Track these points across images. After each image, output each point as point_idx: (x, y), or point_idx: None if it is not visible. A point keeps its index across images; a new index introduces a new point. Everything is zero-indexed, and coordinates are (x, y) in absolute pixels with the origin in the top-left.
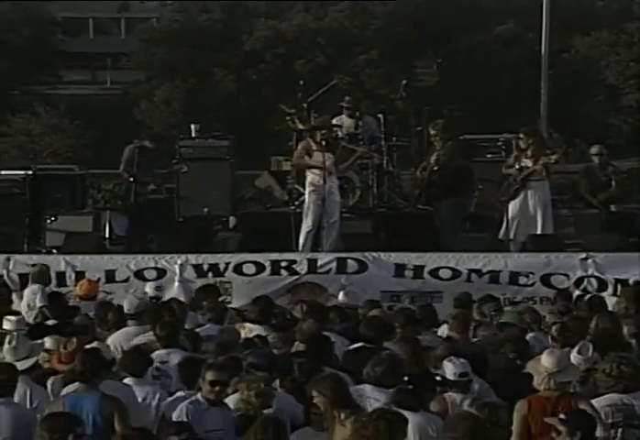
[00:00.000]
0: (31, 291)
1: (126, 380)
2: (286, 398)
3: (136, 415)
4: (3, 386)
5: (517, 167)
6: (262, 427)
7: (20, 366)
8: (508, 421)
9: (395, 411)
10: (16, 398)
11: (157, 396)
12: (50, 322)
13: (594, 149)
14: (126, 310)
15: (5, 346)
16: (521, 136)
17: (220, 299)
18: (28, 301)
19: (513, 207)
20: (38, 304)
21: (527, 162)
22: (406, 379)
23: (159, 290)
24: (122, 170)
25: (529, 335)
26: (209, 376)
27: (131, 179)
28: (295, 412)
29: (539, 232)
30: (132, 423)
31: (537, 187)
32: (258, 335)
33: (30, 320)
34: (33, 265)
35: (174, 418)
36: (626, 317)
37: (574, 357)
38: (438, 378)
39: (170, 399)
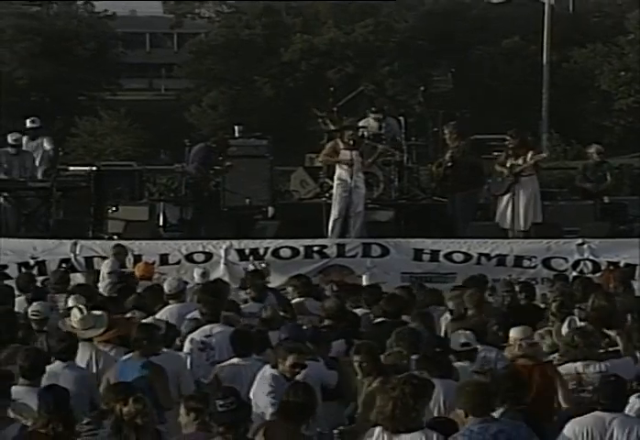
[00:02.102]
0: (107, 264)
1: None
2: (317, 365)
3: (186, 382)
4: (65, 352)
5: (508, 164)
6: (293, 391)
7: (87, 334)
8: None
9: (423, 377)
10: (83, 362)
11: (187, 364)
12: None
13: (593, 148)
14: (166, 291)
15: (77, 316)
16: (507, 138)
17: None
18: (104, 272)
19: (506, 200)
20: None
21: (517, 160)
22: (439, 349)
23: (204, 276)
24: (194, 168)
25: None
26: (292, 359)
27: (201, 175)
28: (327, 378)
29: (530, 221)
30: (183, 390)
31: (527, 181)
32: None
33: (102, 289)
34: (115, 245)
35: (265, 388)
36: (615, 295)
37: (564, 329)
38: None
39: (224, 364)
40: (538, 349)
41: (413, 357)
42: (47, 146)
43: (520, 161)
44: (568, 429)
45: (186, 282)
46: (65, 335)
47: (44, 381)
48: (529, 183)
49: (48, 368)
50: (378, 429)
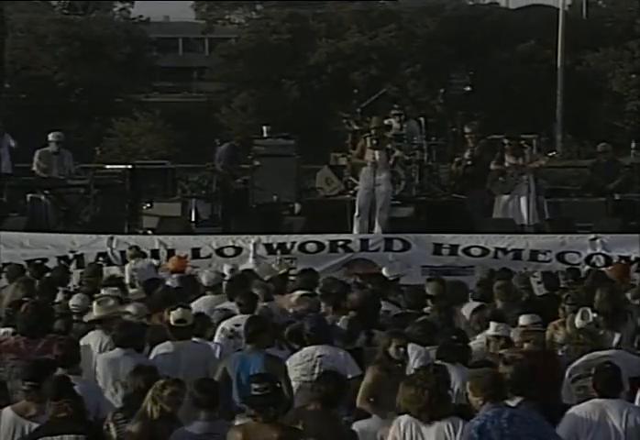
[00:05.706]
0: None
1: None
2: (337, 355)
3: (215, 370)
4: (131, 340)
5: (506, 164)
6: (325, 377)
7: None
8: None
9: (444, 365)
10: (96, 346)
11: (217, 352)
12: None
13: (600, 147)
14: (205, 283)
15: (95, 301)
16: (505, 141)
17: (283, 271)
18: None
19: (507, 198)
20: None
21: (517, 160)
22: (455, 337)
23: (233, 272)
24: (220, 167)
25: None
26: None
27: (227, 173)
28: (351, 369)
29: (531, 217)
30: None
31: (527, 181)
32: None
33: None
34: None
35: None
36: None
37: (577, 321)
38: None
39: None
40: (542, 336)
41: (429, 347)
42: (12, 142)
43: (520, 161)
44: (569, 416)
45: (223, 275)
46: (126, 324)
47: (103, 368)
48: (529, 183)
49: (109, 354)
50: (405, 418)
